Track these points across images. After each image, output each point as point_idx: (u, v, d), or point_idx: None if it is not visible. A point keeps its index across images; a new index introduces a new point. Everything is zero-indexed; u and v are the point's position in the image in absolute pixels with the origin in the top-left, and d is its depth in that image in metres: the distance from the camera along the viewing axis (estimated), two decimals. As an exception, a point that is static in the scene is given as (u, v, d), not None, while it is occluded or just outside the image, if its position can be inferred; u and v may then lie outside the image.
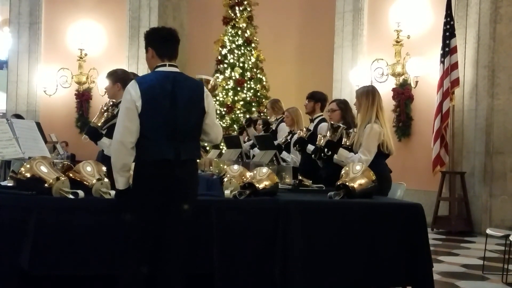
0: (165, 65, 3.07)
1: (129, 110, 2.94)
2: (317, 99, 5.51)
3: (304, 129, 5.21)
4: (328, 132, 4.50)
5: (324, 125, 5.24)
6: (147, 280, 2.93)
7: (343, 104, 4.97)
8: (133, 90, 2.96)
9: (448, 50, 8.13)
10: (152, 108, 2.93)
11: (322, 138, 4.65)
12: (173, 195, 2.94)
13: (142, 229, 2.94)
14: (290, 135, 5.97)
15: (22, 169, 3.19)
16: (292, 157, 5.74)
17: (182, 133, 2.98)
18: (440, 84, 8.16)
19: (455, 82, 8.12)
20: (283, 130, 6.42)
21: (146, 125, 2.94)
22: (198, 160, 3.28)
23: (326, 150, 4.45)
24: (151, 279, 2.94)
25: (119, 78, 4.18)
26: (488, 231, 5.35)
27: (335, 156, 4.40)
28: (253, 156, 6.37)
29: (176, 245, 2.98)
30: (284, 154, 5.80)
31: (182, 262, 2.99)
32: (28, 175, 3.16)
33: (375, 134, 4.24)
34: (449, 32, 8.17)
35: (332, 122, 4.65)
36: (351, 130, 4.51)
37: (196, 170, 3.13)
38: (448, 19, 8.20)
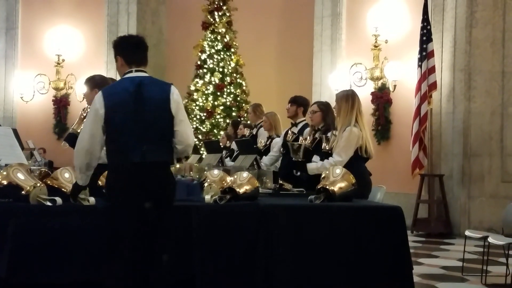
0: (131, 71, 3.08)
1: (93, 118, 2.99)
2: (300, 103, 5.52)
3: (290, 133, 5.23)
4: (326, 146, 4.46)
5: (308, 131, 5.26)
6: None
7: (324, 106, 5.00)
8: (97, 99, 3.01)
9: (425, 54, 8.22)
10: (116, 113, 2.95)
11: (303, 141, 4.65)
12: (144, 199, 2.90)
13: (120, 235, 2.91)
14: (270, 140, 5.98)
15: (-1, 176, 3.14)
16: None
17: (148, 135, 2.94)
18: (418, 88, 8.24)
19: (433, 86, 8.22)
20: (263, 135, 6.42)
21: (112, 130, 2.96)
22: (177, 165, 3.26)
23: (294, 171, 4.52)
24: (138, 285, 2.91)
25: (97, 84, 4.13)
26: (467, 232, 5.41)
27: (309, 172, 4.44)
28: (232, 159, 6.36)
29: (153, 250, 2.93)
30: (264, 159, 5.80)
31: (164, 267, 2.94)
32: (5, 182, 3.11)
33: (353, 138, 4.27)
34: (426, 36, 8.26)
35: (326, 135, 4.56)
36: (329, 134, 4.53)
37: (167, 173, 3.06)
38: (425, 23, 8.30)
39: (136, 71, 3.07)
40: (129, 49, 3.11)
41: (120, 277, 2.89)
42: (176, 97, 3.04)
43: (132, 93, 2.96)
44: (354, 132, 4.27)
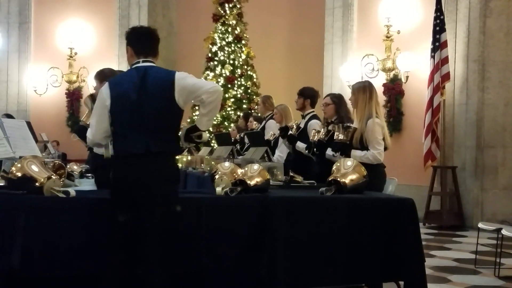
0: (139, 62, 3.07)
1: (100, 109, 3.04)
2: (307, 95, 5.49)
3: (294, 126, 5.22)
4: (341, 135, 4.41)
5: (314, 122, 5.23)
6: (131, 280, 2.90)
7: (337, 99, 4.98)
8: (104, 90, 3.04)
9: (438, 44, 8.16)
10: (120, 104, 2.96)
11: (316, 134, 4.64)
12: (147, 190, 2.89)
13: (121, 227, 2.92)
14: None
15: (13, 168, 3.16)
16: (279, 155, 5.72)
17: (151, 125, 2.93)
18: (431, 79, 8.18)
19: (446, 77, 8.15)
20: (269, 127, 6.42)
21: (117, 120, 2.98)
22: (188, 157, 3.25)
23: (340, 153, 4.38)
24: (135, 279, 2.91)
25: (106, 77, 4.14)
26: (480, 225, 5.38)
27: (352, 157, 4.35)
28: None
29: (153, 244, 2.90)
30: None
31: (163, 261, 2.92)
32: (19, 174, 3.13)
33: (379, 128, 4.29)
34: (439, 26, 8.19)
35: (343, 124, 4.52)
36: (349, 125, 4.46)
37: (172, 165, 3.02)
38: (438, 13, 8.22)
39: (144, 61, 3.06)
40: (137, 39, 3.11)
41: (115, 271, 2.91)
42: (180, 81, 2.96)
43: (136, 83, 2.96)
44: (378, 123, 4.30)
